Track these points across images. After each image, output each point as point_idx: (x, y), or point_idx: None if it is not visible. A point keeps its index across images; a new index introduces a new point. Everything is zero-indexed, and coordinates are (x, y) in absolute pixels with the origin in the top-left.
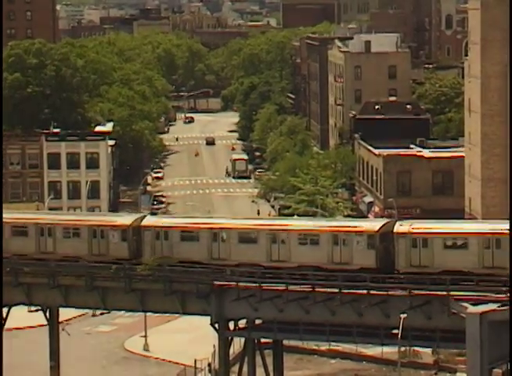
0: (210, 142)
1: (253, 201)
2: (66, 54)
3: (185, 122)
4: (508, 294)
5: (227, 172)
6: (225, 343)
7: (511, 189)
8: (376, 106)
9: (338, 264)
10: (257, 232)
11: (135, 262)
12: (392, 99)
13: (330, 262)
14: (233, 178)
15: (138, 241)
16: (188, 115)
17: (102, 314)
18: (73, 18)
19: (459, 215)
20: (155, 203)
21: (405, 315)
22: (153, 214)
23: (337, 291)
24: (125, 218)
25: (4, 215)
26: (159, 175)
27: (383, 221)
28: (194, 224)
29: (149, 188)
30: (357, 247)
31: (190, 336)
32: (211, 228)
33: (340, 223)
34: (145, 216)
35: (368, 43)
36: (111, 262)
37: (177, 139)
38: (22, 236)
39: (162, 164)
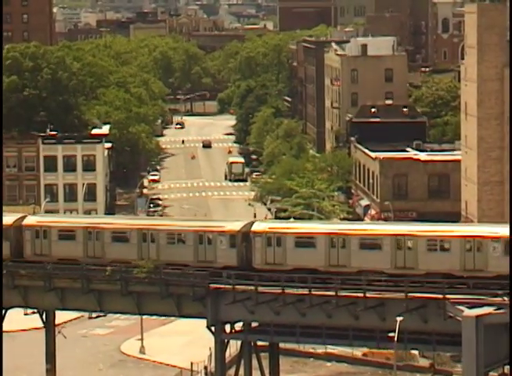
0: (207, 145)
1: (249, 204)
2: (63, 57)
3: (176, 128)
4: (504, 298)
5: (226, 176)
6: (221, 346)
7: (511, 191)
8: (373, 110)
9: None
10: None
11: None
12: (389, 102)
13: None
14: (230, 181)
15: (248, 247)
16: (179, 120)
17: (98, 317)
18: (70, 21)
19: (455, 218)
20: (151, 206)
21: (401, 318)
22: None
23: (333, 293)
24: (234, 224)
25: (106, 221)
26: (155, 177)
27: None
28: (310, 230)
29: (145, 191)
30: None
31: (186, 339)
32: (329, 233)
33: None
34: (253, 222)
35: (364, 46)
36: (219, 268)
37: (183, 142)
38: (123, 242)
39: (158, 167)
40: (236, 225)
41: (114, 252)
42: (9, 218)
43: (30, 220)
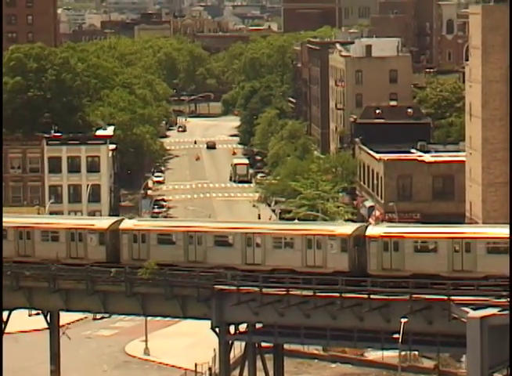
0: (211, 147)
1: (254, 206)
2: (67, 58)
3: (178, 131)
4: (508, 299)
5: (230, 177)
6: (225, 347)
7: (511, 192)
8: (377, 111)
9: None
10: None
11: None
12: (393, 103)
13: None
14: (234, 182)
15: (361, 252)
16: (182, 121)
17: (102, 318)
18: (75, 22)
19: (459, 219)
20: (155, 207)
21: (405, 319)
22: (153, 218)
23: (337, 295)
24: (345, 228)
25: (208, 225)
26: (160, 179)
27: None
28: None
29: (149, 192)
30: None
31: (191, 340)
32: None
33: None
34: (366, 226)
35: (369, 47)
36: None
37: (195, 143)
38: (225, 246)
39: (163, 168)
40: (347, 229)
41: (217, 257)
42: (104, 222)
43: (128, 224)
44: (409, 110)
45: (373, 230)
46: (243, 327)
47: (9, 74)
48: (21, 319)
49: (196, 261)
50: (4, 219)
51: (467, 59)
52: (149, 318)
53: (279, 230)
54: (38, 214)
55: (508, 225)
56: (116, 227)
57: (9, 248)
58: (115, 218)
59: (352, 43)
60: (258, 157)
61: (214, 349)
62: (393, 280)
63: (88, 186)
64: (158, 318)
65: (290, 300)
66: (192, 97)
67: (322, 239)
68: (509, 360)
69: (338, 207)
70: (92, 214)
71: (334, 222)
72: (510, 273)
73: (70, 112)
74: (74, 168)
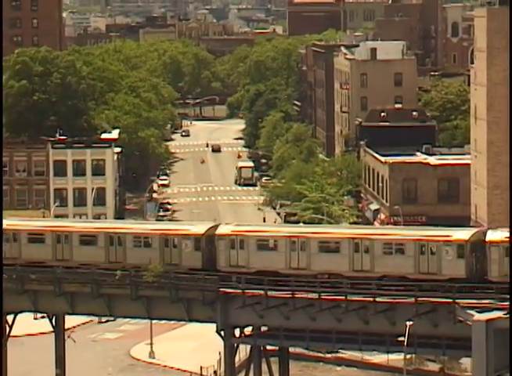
0: (216, 150)
1: (259, 209)
2: (73, 61)
3: (182, 135)
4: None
5: (235, 180)
6: (230, 350)
7: (511, 194)
8: (382, 114)
9: None
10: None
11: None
12: (398, 106)
13: None
14: (239, 185)
15: (479, 258)
16: (187, 124)
17: (107, 321)
18: (80, 26)
19: (464, 222)
20: (161, 210)
21: (411, 322)
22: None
23: (343, 298)
24: (462, 233)
25: (312, 230)
26: (165, 182)
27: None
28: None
29: (154, 195)
30: None
31: (196, 343)
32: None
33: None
34: (486, 231)
35: (374, 50)
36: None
37: (207, 146)
38: (331, 252)
39: (168, 172)
40: (464, 234)
41: (322, 263)
42: (200, 228)
43: (225, 229)
44: (414, 113)
45: (494, 235)
46: (248, 330)
47: (15, 78)
48: (26, 323)
49: (299, 268)
50: (94, 225)
51: (472, 62)
52: (154, 321)
53: (389, 235)
54: (44, 217)
55: None
56: (212, 233)
57: (99, 254)
58: (211, 224)
59: (357, 46)
60: (263, 160)
61: (220, 352)
62: None
63: (93, 189)
64: (163, 321)
65: (296, 303)
66: (198, 100)
67: (436, 245)
68: (509, 364)
69: (343, 210)
70: (97, 217)
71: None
72: (510, 273)
73: (76, 115)
74: (79, 171)
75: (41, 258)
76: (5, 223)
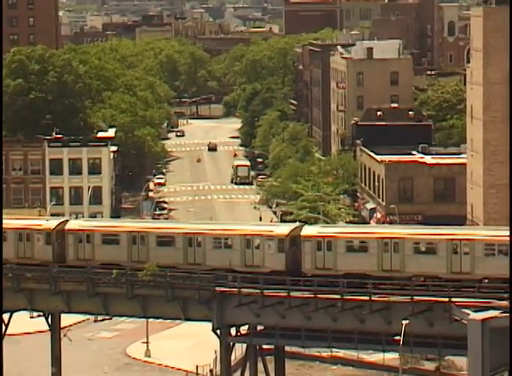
0: (213, 149)
1: (255, 208)
2: (69, 60)
3: (177, 135)
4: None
5: (231, 179)
6: (226, 349)
7: (511, 194)
8: (378, 113)
9: None
10: None
11: None
12: (394, 105)
13: None
14: (235, 184)
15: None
16: (179, 129)
17: (103, 320)
18: (76, 24)
19: (460, 221)
20: (157, 209)
21: (406, 321)
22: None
23: (338, 297)
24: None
25: (407, 231)
26: (161, 181)
27: None
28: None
29: (151, 194)
30: None
31: (192, 342)
32: None
33: None
34: None
35: (370, 50)
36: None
37: (210, 144)
38: (429, 254)
39: (164, 170)
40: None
41: (418, 265)
42: (284, 229)
43: (310, 231)
44: (411, 113)
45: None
46: (244, 329)
47: (11, 76)
48: (22, 321)
49: (393, 270)
50: (171, 225)
51: (469, 62)
52: (150, 320)
53: (489, 237)
54: (40, 216)
55: None
56: (297, 234)
57: (178, 256)
58: (294, 225)
59: (353, 45)
60: (259, 159)
61: (216, 351)
62: None
63: (89, 188)
64: (159, 320)
65: (291, 302)
66: (194, 99)
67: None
68: (509, 363)
69: (339, 209)
70: (93, 216)
71: None
72: (510, 274)
73: (72, 114)
74: (76, 170)
75: (115, 260)
76: (78, 224)
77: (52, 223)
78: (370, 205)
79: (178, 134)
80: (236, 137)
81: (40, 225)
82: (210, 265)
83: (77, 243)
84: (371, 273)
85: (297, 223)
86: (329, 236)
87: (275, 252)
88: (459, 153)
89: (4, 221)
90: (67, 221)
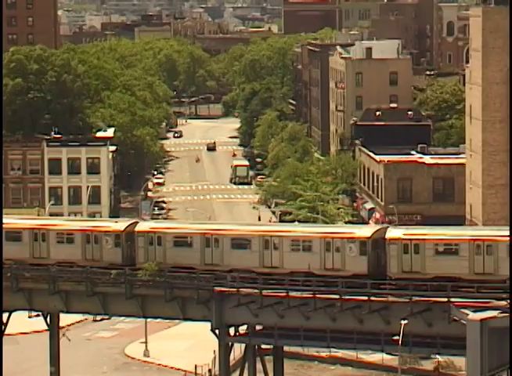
0: (211, 148)
1: (253, 207)
2: (68, 60)
3: (174, 137)
4: (508, 301)
5: (230, 179)
6: (225, 349)
7: (511, 194)
8: (377, 113)
9: None
10: None
11: None
12: (393, 105)
13: None
14: (234, 184)
15: None
16: (177, 130)
17: (102, 320)
18: (75, 24)
19: (459, 221)
20: (156, 209)
21: (405, 321)
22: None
23: (337, 297)
24: None
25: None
26: (160, 180)
27: None
28: None
29: (149, 194)
30: None
31: (191, 342)
32: None
33: None
34: None
35: (369, 49)
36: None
37: (214, 143)
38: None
39: (163, 170)
40: None
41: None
42: (366, 230)
43: (395, 233)
44: (410, 113)
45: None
46: (242, 329)
47: (10, 76)
48: (21, 321)
49: (485, 273)
50: (247, 228)
51: (468, 62)
52: (148, 320)
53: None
54: (38, 215)
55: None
56: (380, 236)
57: (253, 259)
58: (377, 227)
59: (352, 45)
60: (258, 159)
61: (214, 351)
62: None
63: (88, 187)
64: (158, 320)
65: (290, 302)
66: (193, 99)
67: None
68: (509, 363)
69: (338, 209)
70: (92, 216)
71: None
72: (510, 274)
73: (71, 114)
74: (74, 169)
75: (188, 263)
76: (148, 226)
77: (122, 225)
78: (369, 205)
79: (176, 135)
80: (235, 137)
81: (109, 227)
82: (288, 268)
83: (148, 245)
84: (462, 276)
85: (380, 225)
86: (416, 238)
87: (356, 255)
88: (458, 153)
89: (70, 223)
90: (137, 223)
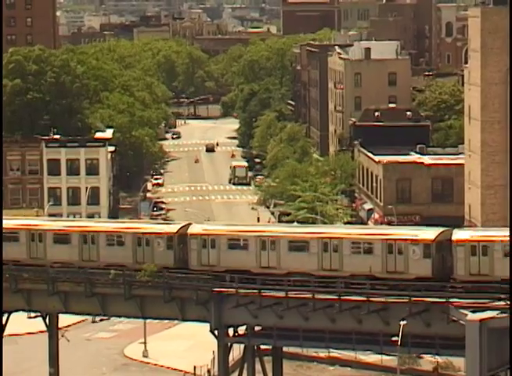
0: (210, 149)
1: (252, 208)
2: (67, 60)
3: (172, 138)
4: (508, 302)
5: (229, 179)
6: (224, 350)
7: (511, 195)
8: (376, 113)
9: None
10: None
11: None
12: (392, 106)
13: None
14: (233, 184)
15: None
16: (175, 130)
17: (101, 320)
18: (74, 24)
19: (458, 222)
20: (155, 209)
21: (404, 322)
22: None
23: (336, 297)
24: None
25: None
26: (159, 181)
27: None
28: None
29: (148, 194)
30: None
31: (190, 343)
32: None
33: None
34: None
35: (368, 50)
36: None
37: (217, 144)
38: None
39: (162, 171)
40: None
41: None
42: (430, 233)
43: (463, 235)
44: (408, 113)
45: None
46: (241, 330)
47: (8, 77)
48: (20, 322)
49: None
50: (305, 230)
51: (466, 62)
52: (148, 320)
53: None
54: (37, 216)
55: None
56: (443, 238)
57: (312, 262)
58: (441, 229)
59: (351, 46)
60: (257, 160)
61: (213, 352)
62: None
63: (87, 188)
64: (157, 320)
65: (289, 302)
66: (191, 99)
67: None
68: (508, 363)
69: (337, 209)
70: (91, 216)
71: None
72: (510, 275)
73: (70, 114)
74: (73, 170)
75: (243, 266)
76: (201, 228)
77: (174, 227)
78: (368, 206)
79: (174, 136)
80: (234, 137)
81: (161, 229)
82: (348, 271)
83: (201, 248)
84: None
85: (443, 227)
86: (484, 240)
87: (420, 258)
88: (457, 154)
89: (122, 225)
90: (189, 225)
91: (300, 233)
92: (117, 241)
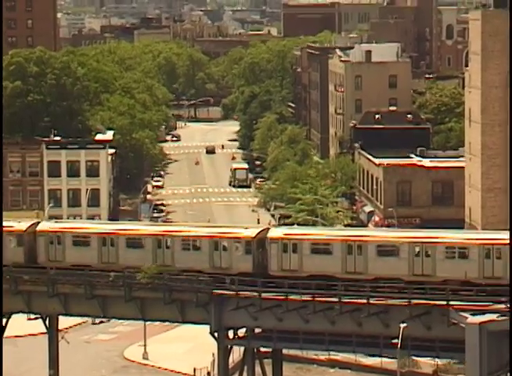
0: (211, 151)
1: (253, 210)
2: (67, 62)
3: (172, 140)
4: (508, 305)
5: (230, 182)
6: (224, 352)
7: (511, 197)
8: (377, 116)
9: None
10: None
11: None
12: (392, 108)
13: None
14: (233, 187)
15: None
16: (175, 132)
17: (101, 322)
18: (74, 26)
19: (459, 224)
20: (155, 211)
21: (404, 325)
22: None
23: (336, 300)
24: None
25: None
26: (159, 183)
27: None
28: None
29: (149, 196)
30: None
31: (189, 345)
32: None
33: None
34: None
35: (368, 53)
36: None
37: (222, 147)
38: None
39: (162, 173)
40: None
41: None
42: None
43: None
44: (409, 116)
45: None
46: (241, 332)
47: (9, 79)
48: (20, 324)
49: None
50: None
51: (467, 65)
52: (148, 323)
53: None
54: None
55: None
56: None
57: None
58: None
59: (352, 48)
60: (258, 162)
61: (213, 354)
62: None
63: (87, 190)
64: (157, 323)
65: (289, 305)
66: (192, 102)
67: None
68: (508, 366)
69: (337, 212)
70: (92, 218)
71: None
72: (510, 276)
73: (70, 116)
74: (74, 172)
75: (326, 271)
76: (282, 232)
77: (253, 231)
78: (368, 208)
79: (174, 138)
80: (235, 140)
81: (239, 233)
82: (441, 276)
83: (282, 252)
84: None
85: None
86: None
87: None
88: (458, 157)
89: (195, 229)
90: (268, 229)
91: (389, 237)
92: (193, 246)
